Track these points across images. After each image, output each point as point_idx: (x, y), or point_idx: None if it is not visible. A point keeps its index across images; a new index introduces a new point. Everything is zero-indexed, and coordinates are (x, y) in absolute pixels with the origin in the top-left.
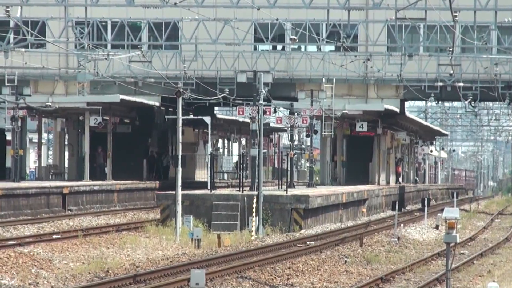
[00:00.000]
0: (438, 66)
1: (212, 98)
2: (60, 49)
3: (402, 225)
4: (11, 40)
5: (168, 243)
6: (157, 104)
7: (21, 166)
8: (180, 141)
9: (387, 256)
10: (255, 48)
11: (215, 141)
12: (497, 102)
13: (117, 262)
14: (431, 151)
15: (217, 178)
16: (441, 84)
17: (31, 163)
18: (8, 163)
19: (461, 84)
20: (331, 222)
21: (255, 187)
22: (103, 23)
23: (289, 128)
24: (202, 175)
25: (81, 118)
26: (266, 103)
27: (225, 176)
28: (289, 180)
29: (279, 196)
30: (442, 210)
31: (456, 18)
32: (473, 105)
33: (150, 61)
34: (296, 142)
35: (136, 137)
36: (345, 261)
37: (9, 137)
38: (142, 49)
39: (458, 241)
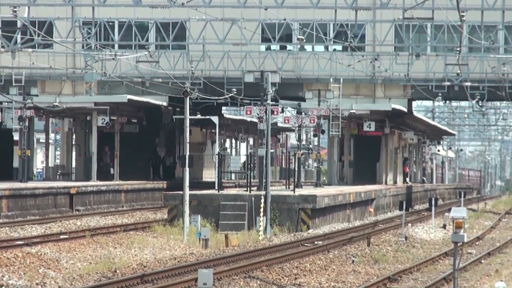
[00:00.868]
0: (446, 65)
1: (220, 98)
2: (68, 49)
3: (409, 224)
4: (19, 40)
5: (175, 243)
6: (165, 104)
7: (28, 167)
8: (188, 141)
9: (394, 255)
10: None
11: (222, 141)
12: (504, 102)
13: (124, 262)
14: (439, 150)
15: (224, 178)
16: (449, 83)
17: (39, 163)
18: (16, 163)
19: (468, 84)
20: (338, 222)
21: (263, 187)
22: (111, 23)
23: (297, 128)
24: (209, 175)
25: (88, 118)
26: (273, 103)
27: (233, 176)
28: (296, 180)
29: (286, 196)
30: (449, 210)
31: (464, 18)
32: (480, 104)
33: (158, 61)
34: (303, 142)
35: (144, 137)
36: (353, 261)
37: (16, 137)
38: (150, 49)
39: (465, 240)
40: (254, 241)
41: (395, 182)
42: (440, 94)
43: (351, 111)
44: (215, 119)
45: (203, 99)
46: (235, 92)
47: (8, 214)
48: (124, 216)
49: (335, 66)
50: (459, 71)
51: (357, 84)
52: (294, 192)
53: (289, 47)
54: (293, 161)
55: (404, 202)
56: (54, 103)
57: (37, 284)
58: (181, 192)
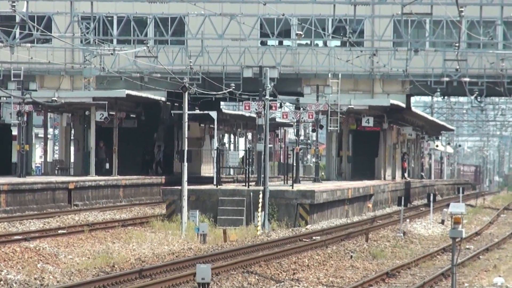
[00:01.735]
0: (444, 61)
1: (218, 93)
2: (66, 44)
3: (407, 220)
4: (17, 35)
5: (174, 238)
6: (163, 99)
7: (27, 161)
8: (186, 136)
9: (392, 251)
10: (262, 44)
11: (221, 136)
12: (503, 97)
13: (123, 257)
14: (437, 146)
15: (223, 173)
16: (447, 79)
17: (37, 158)
18: (14, 158)
19: (467, 79)
20: (336, 217)
21: (261, 182)
22: (109, 18)
23: (295, 123)
24: (208, 170)
25: (87, 113)
26: (272, 98)
27: (231, 171)
28: (295, 175)
29: (285, 191)
30: (447, 205)
31: (462, 13)
32: (479, 100)
33: (156, 56)
34: (302, 137)
35: (142, 132)
36: (351, 256)
37: (15, 132)
38: (148, 44)
39: (463, 236)
40: (252, 236)
41: (393, 177)
42: (438, 90)
43: (350, 106)
44: (213, 114)
45: (202, 94)
46: (233, 87)
47: (6, 209)
48: (122, 211)
49: (334, 62)
50: (457, 67)
51: (356, 79)
52: (293, 187)
53: (287, 42)
54: (292, 156)
55: (403, 197)
56: (53, 98)
57: (35, 279)
58: (179, 187)
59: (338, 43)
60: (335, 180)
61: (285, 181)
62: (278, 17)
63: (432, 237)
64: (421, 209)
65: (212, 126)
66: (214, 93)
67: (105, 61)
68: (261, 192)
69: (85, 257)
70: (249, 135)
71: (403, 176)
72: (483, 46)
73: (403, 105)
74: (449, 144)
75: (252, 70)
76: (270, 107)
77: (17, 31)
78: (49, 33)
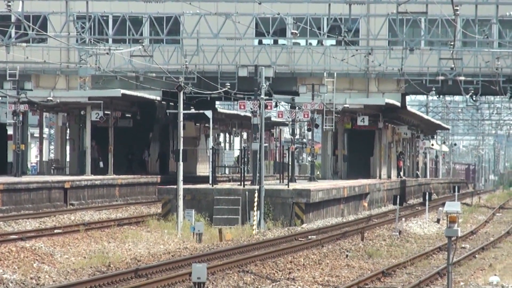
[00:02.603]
0: (439, 60)
1: (214, 92)
2: (62, 44)
3: (403, 219)
4: (13, 35)
5: (169, 237)
6: (159, 98)
7: (22, 161)
8: (182, 135)
9: (388, 250)
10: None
11: (216, 135)
12: (498, 96)
13: (118, 256)
14: (432, 145)
15: (218, 173)
16: (442, 78)
17: (33, 157)
18: (10, 157)
19: (462, 78)
20: (332, 216)
21: (257, 181)
22: (105, 18)
23: (291, 122)
24: (203, 169)
25: (82, 112)
26: (267, 97)
27: (227, 170)
28: (290, 174)
29: (280, 191)
30: (443, 204)
31: (457, 12)
32: (474, 99)
33: (152, 55)
34: (297, 136)
35: (138, 131)
36: (347, 255)
37: (10, 131)
38: (144, 44)
39: (459, 235)
40: (248, 235)
41: (389, 176)
42: (434, 89)
43: (345, 105)
44: (209, 113)
45: (197, 94)
46: (229, 87)
47: (2, 208)
48: (118, 210)
49: (329, 61)
50: (453, 66)
51: (351, 78)
52: (288, 187)
53: (282, 41)
54: (287, 155)
55: (398, 196)
56: (48, 98)
57: (31, 278)
58: (175, 187)
59: (333, 42)
60: (331, 179)
61: (281, 180)
62: (273, 16)
63: (427, 236)
64: (416, 208)
65: (207, 125)
66: (210, 92)
67: (100, 60)
68: (256, 191)
69: (81, 256)
70: (245, 135)
71: (398, 175)
72: (479, 45)
73: (398, 104)
74: (444, 143)
75: (247, 69)
76: (266, 106)
77: (13, 30)
78: (45, 33)
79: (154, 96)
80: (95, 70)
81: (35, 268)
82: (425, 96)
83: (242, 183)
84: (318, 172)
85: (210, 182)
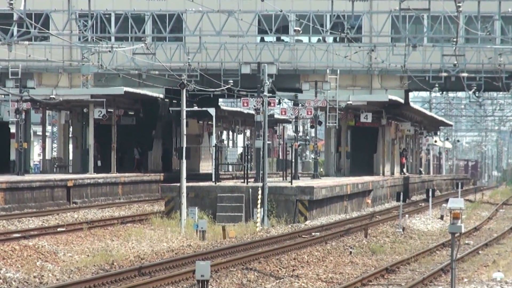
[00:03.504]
0: (442, 56)
1: (217, 89)
2: (64, 42)
3: (406, 215)
4: (15, 33)
5: (173, 235)
6: (161, 96)
7: (25, 159)
8: (185, 133)
9: (392, 246)
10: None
11: (219, 132)
12: (501, 92)
13: (122, 254)
14: (436, 141)
15: (221, 170)
16: (445, 74)
17: (35, 156)
18: (13, 156)
19: (465, 75)
20: (336, 213)
21: (260, 178)
22: (107, 16)
23: (294, 120)
24: (206, 167)
25: (85, 110)
26: (270, 94)
27: (230, 168)
28: (293, 171)
29: (284, 188)
30: (446, 201)
31: (460, 9)
32: (477, 95)
33: (154, 53)
34: (300, 133)
35: (141, 129)
36: (350, 252)
37: (13, 130)
38: (146, 41)
39: (463, 231)
40: (251, 232)
41: (392, 173)
42: (437, 85)
43: (348, 102)
44: (212, 111)
45: (200, 91)
46: (231, 84)
47: (5, 207)
48: (121, 208)
49: (332, 58)
50: (455, 62)
51: (354, 75)
52: (291, 184)
53: (285, 38)
54: (290, 152)
55: (402, 193)
56: (51, 96)
57: (34, 277)
58: (178, 184)
59: (336, 38)
60: (334, 176)
61: (284, 178)
62: (276, 13)
63: (431, 232)
64: (420, 204)
65: (210, 123)
66: (212, 89)
67: (103, 58)
68: (260, 188)
69: (84, 254)
70: (248, 132)
71: (401, 171)
72: (481, 41)
73: (402, 100)
74: (447, 139)
75: (250, 66)
76: (269, 104)
77: (15, 28)
78: (47, 31)
79: (157, 93)
80: (97, 68)
81: (38, 267)
82: (428, 92)
83: (246, 180)
84: (321, 169)
85: (214, 179)
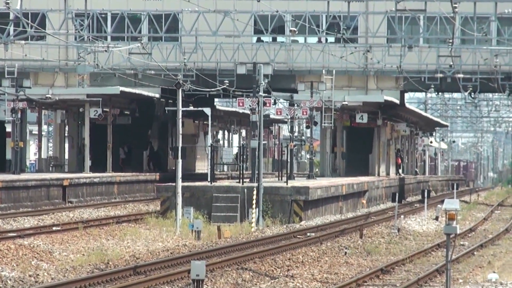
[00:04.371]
0: (438, 57)
1: (212, 89)
2: (60, 41)
3: (402, 216)
4: (11, 32)
5: (168, 234)
6: (157, 96)
7: (21, 158)
8: (180, 132)
9: (387, 247)
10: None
11: (215, 132)
12: (497, 93)
13: (117, 253)
14: (431, 142)
15: (217, 170)
16: (441, 75)
17: (31, 155)
18: (8, 155)
19: (461, 76)
20: (331, 214)
21: (255, 178)
22: (103, 15)
23: (289, 120)
24: (202, 167)
25: (81, 110)
26: (266, 94)
27: (225, 167)
28: (289, 171)
29: (279, 188)
30: (442, 202)
31: (456, 9)
32: (473, 96)
33: (150, 53)
34: (296, 134)
35: (136, 128)
36: (345, 253)
37: (9, 129)
38: (142, 41)
39: (458, 232)
40: (246, 233)
41: (387, 173)
42: (432, 86)
43: (344, 103)
44: (207, 111)
45: (196, 91)
46: (227, 84)
47: (1, 206)
48: (116, 208)
49: (328, 58)
50: (451, 63)
51: (350, 76)
52: (287, 184)
53: (281, 38)
54: (286, 152)
55: (397, 193)
56: (47, 95)
57: (30, 276)
58: (173, 184)
59: (332, 39)
60: (329, 176)
61: (279, 178)
62: (272, 13)
63: (426, 233)
64: (415, 205)
65: (206, 122)
66: (208, 89)
67: (99, 58)
68: (255, 188)
69: (80, 254)
70: (243, 132)
71: (397, 172)
72: (477, 42)
73: (397, 101)
74: (443, 140)
75: (246, 66)
76: (264, 104)
77: (11, 28)
78: (43, 30)
79: (153, 93)
80: (93, 67)
81: (33, 266)
82: (424, 93)
83: (241, 180)
84: (316, 170)
85: (209, 179)
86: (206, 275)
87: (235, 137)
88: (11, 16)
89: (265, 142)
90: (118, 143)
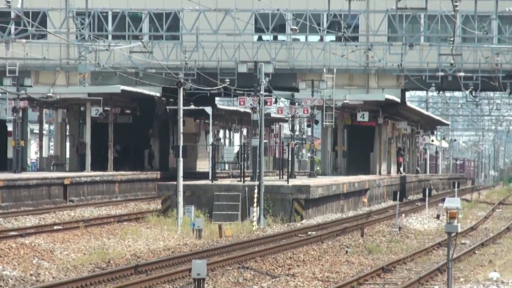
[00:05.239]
0: (439, 56)
1: (213, 88)
2: (61, 40)
3: (403, 215)
4: (12, 31)
5: (169, 233)
6: (158, 94)
7: (22, 157)
8: (181, 131)
9: (388, 246)
10: (259, 39)
11: (216, 131)
12: (498, 92)
13: (118, 252)
14: (432, 141)
15: (218, 169)
16: (442, 74)
17: (32, 154)
18: (10, 154)
19: (462, 74)
20: (332, 212)
21: (256, 177)
22: (104, 14)
23: (290, 118)
24: (203, 165)
25: (82, 108)
26: (267, 93)
27: (226, 166)
28: (290, 170)
29: (280, 187)
30: (443, 200)
31: (457, 8)
32: (474, 94)
33: (151, 51)
34: (297, 132)
35: (137, 127)
36: (347, 251)
37: (10, 128)
38: (143, 40)
39: (459, 231)
40: (247, 231)
41: (389, 172)
42: (433, 84)
43: (345, 101)
44: (208, 109)
45: (197, 90)
46: (228, 83)
47: (2, 205)
48: (118, 206)
49: (329, 57)
50: (452, 61)
51: (351, 74)
52: (288, 183)
53: (282, 37)
54: (287, 151)
55: (398, 192)
56: (48, 94)
57: (31, 275)
58: (175, 183)
59: (333, 38)
60: (331, 175)
61: (281, 176)
62: (273, 12)
63: (427, 232)
64: (416, 204)
65: (207, 121)
66: (209, 88)
67: (100, 56)
68: (256, 187)
69: (81, 253)
70: (244, 131)
71: (398, 170)
72: (478, 41)
73: (398, 100)
74: (444, 138)
75: (247, 65)
76: (265, 103)
77: (12, 27)
78: (44, 29)
79: (154, 92)
80: (94, 66)
81: (35, 265)
82: (424, 92)
83: (242, 179)
84: (317, 168)
85: (210, 178)
86: (207, 274)
87: (236, 136)
88: (12, 15)
89: (266, 140)
90: (118, 142)
